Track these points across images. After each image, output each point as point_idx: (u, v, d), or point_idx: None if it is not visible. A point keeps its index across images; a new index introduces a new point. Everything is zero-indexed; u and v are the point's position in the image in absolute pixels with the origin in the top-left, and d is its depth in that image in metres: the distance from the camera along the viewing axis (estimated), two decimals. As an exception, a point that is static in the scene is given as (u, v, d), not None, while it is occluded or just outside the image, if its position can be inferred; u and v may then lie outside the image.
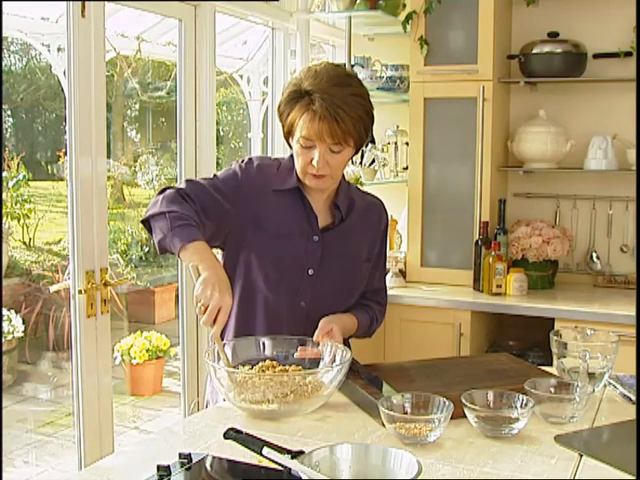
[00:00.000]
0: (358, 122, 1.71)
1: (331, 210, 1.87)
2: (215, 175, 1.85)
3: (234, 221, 1.80)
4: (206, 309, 1.56)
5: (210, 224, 1.75)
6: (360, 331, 1.93)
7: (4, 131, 6.11)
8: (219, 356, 1.61)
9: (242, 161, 1.86)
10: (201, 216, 1.72)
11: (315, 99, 1.68)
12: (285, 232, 1.82)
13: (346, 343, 1.94)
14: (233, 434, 1.33)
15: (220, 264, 1.65)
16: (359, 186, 2.14)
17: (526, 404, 1.50)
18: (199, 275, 1.59)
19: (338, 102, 1.67)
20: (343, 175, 1.91)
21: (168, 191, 1.75)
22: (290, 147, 1.80)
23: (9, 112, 6.38)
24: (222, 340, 1.63)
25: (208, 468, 1.31)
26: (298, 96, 1.72)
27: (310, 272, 1.83)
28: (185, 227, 1.65)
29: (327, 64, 1.78)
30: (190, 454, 1.31)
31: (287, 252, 1.81)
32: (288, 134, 1.78)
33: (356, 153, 1.83)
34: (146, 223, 1.75)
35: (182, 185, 1.78)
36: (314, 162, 1.72)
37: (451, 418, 1.44)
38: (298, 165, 1.77)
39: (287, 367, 1.64)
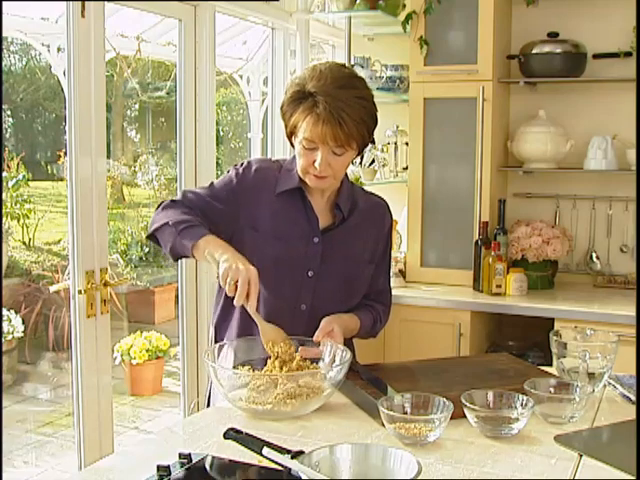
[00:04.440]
0: (361, 125, 1.71)
1: (332, 210, 1.87)
2: (212, 183, 1.87)
3: (233, 226, 1.81)
4: (235, 285, 1.56)
5: (212, 229, 1.76)
6: (362, 331, 1.92)
7: (4, 131, 6.11)
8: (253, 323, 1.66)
9: (240, 165, 1.87)
10: (202, 221, 1.75)
11: (319, 101, 1.67)
12: (284, 234, 1.82)
13: (350, 343, 1.94)
14: (233, 434, 1.33)
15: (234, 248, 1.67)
16: (364, 187, 2.14)
17: (526, 404, 1.50)
18: (216, 261, 1.61)
19: (342, 105, 1.66)
20: (347, 176, 1.91)
21: (165, 203, 1.80)
22: (292, 146, 1.81)
23: (9, 112, 6.38)
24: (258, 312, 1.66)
25: (208, 468, 1.32)
26: (302, 97, 1.71)
27: (310, 274, 1.83)
28: (190, 228, 1.69)
29: (332, 64, 1.77)
30: (190, 454, 1.31)
31: (286, 254, 1.81)
32: (291, 134, 1.78)
33: (358, 155, 1.83)
34: (152, 238, 1.79)
35: (178, 197, 1.83)
36: (316, 164, 1.72)
37: (451, 418, 1.44)
38: (300, 165, 1.77)
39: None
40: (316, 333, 1.73)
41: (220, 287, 1.86)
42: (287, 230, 1.82)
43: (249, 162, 1.87)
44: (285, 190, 1.82)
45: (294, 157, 1.86)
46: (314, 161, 1.72)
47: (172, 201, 1.81)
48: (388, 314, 2.04)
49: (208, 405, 1.94)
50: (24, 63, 6.57)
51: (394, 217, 2.03)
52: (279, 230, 1.82)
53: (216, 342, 1.88)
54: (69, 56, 2.36)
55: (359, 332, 1.91)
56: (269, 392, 1.53)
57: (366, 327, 1.92)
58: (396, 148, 3.59)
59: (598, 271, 3.40)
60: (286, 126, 1.78)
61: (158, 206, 1.82)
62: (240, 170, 1.84)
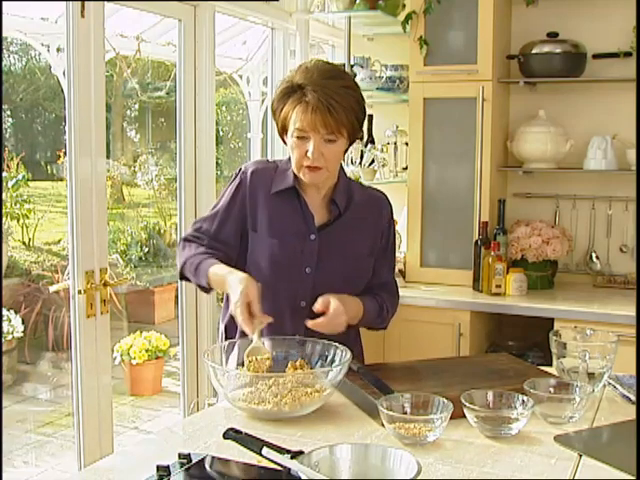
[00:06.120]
0: (350, 112, 1.75)
1: (328, 207, 1.89)
2: (216, 202, 1.93)
3: (242, 232, 1.87)
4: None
5: (228, 247, 1.87)
6: (368, 316, 1.88)
7: (4, 131, 6.11)
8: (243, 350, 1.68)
9: (239, 171, 1.91)
10: (214, 244, 1.85)
11: (307, 91, 1.72)
12: (281, 233, 1.84)
13: (358, 342, 1.95)
14: (233, 434, 1.33)
15: (233, 268, 1.75)
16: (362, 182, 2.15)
17: (526, 404, 1.50)
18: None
19: (330, 93, 1.71)
20: (344, 173, 1.92)
21: (181, 242, 1.91)
22: (285, 143, 1.83)
23: (9, 112, 6.38)
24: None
25: (208, 468, 1.32)
26: (290, 91, 1.75)
27: (307, 270, 1.84)
28: (199, 265, 1.79)
29: (317, 61, 1.83)
30: (190, 454, 1.31)
31: (283, 252, 1.83)
32: (282, 130, 1.81)
33: (350, 145, 1.85)
34: (184, 278, 1.89)
35: (189, 230, 1.92)
36: (309, 153, 1.74)
37: (451, 418, 1.44)
38: (294, 159, 1.79)
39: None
40: (315, 305, 1.75)
41: None
42: (283, 228, 1.85)
43: (245, 167, 1.91)
44: (280, 190, 1.84)
45: (289, 158, 1.87)
46: (307, 151, 1.74)
47: (185, 240, 1.89)
48: (396, 303, 2.01)
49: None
50: (24, 63, 6.57)
51: (394, 217, 2.04)
52: (276, 229, 1.85)
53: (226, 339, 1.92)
54: (69, 56, 2.36)
55: (364, 317, 1.87)
56: (268, 392, 1.53)
57: (371, 312, 1.89)
58: (396, 148, 3.59)
59: (598, 271, 3.40)
60: (277, 123, 1.81)
61: (178, 243, 1.93)
62: (237, 179, 1.89)
